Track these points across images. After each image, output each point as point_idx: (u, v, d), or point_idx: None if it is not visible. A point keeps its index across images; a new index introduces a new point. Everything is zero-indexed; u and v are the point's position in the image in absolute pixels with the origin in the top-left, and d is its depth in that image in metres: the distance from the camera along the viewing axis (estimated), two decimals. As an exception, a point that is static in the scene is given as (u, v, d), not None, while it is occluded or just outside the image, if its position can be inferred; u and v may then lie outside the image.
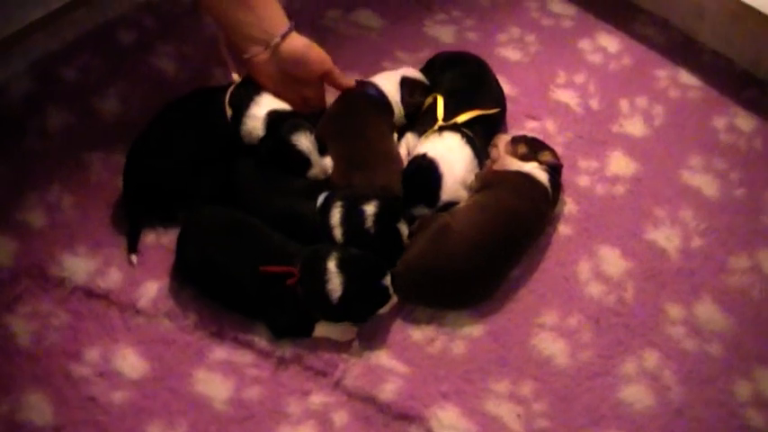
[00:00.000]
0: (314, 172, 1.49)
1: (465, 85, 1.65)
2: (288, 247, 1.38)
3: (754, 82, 1.82)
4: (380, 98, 1.61)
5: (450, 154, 1.52)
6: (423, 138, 1.57)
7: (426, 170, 1.49)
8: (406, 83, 1.64)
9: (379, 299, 1.37)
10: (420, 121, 1.63)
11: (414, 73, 1.68)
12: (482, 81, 1.68)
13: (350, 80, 1.60)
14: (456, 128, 1.56)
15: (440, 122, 1.57)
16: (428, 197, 1.50)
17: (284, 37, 1.48)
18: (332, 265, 1.33)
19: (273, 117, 1.49)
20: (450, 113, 1.59)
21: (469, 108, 1.59)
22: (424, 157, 1.50)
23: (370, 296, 1.37)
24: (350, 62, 1.77)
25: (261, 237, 1.39)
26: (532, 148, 1.55)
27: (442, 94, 1.62)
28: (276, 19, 1.49)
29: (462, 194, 1.51)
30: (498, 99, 1.68)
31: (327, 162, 1.50)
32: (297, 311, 1.35)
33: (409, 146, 1.60)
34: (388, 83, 1.63)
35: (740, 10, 1.73)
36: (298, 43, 1.50)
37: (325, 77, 1.57)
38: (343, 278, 1.32)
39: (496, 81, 1.70)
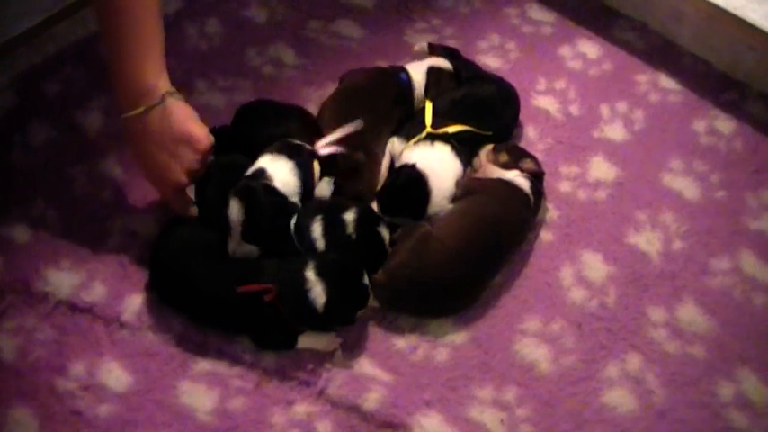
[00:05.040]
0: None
1: (477, 102, 1.64)
2: (262, 264, 1.37)
3: (732, 84, 1.83)
4: (408, 86, 1.66)
5: (440, 167, 1.52)
6: (410, 143, 1.57)
7: (415, 184, 1.50)
8: (432, 72, 1.68)
9: (362, 298, 1.38)
10: (407, 125, 1.63)
11: (440, 62, 1.71)
12: (497, 110, 1.66)
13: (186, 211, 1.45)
14: (446, 138, 1.56)
15: (428, 129, 1.57)
16: (414, 211, 1.50)
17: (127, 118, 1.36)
18: (310, 273, 1.33)
19: None
20: (441, 120, 1.59)
21: (464, 123, 1.59)
22: (413, 168, 1.50)
23: (353, 297, 1.37)
24: (331, 72, 1.78)
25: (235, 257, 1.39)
26: (514, 156, 1.56)
27: (452, 98, 1.63)
28: (126, 94, 1.35)
29: (447, 206, 1.51)
30: (500, 132, 1.66)
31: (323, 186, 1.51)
32: (279, 326, 1.35)
33: (394, 151, 1.60)
34: (417, 72, 1.68)
35: (716, 13, 1.75)
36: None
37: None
38: (325, 284, 1.32)
39: (513, 118, 1.70)
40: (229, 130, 1.58)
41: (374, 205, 1.52)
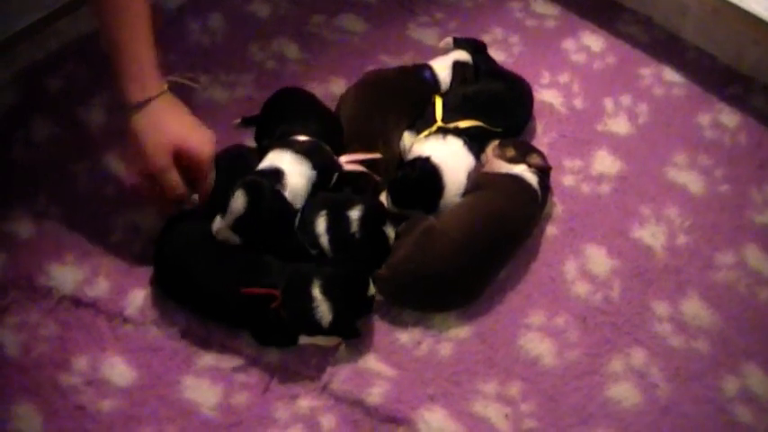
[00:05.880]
0: None
1: (489, 99, 1.64)
2: (267, 263, 1.37)
3: (737, 78, 1.82)
4: (432, 83, 1.66)
5: (454, 161, 1.51)
6: (421, 137, 1.56)
7: (430, 177, 1.49)
8: (457, 67, 1.68)
9: (367, 309, 1.38)
10: (418, 121, 1.63)
11: (464, 56, 1.72)
12: (509, 107, 1.66)
13: (180, 193, 1.40)
14: (457, 132, 1.55)
15: (439, 123, 1.57)
16: (427, 205, 1.50)
17: (126, 112, 1.34)
18: (317, 292, 1.32)
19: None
20: (452, 115, 1.58)
21: (475, 118, 1.58)
22: (428, 161, 1.49)
23: (359, 311, 1.37)
24: (334, 67, 1.78)
25: (240, 253, 1.38)
26: (521, 151, 1.55)
27: (464, 94, 1.63)
28: (130, 89, 1.34)
29: (456, 201, 1.51)
30: (511, 130, 1.65)
31: None
32: (280, 327, 1.34)
33: (405, 145, 1.60)
34: (443, 68, 1.69)
35: (721, 6, 1.74)
36: (134, 126, 1.34)
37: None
38: (331, 303, 1.32)
39: (525, 117, 1.70)
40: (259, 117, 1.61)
41: (383, 196, 1.52)
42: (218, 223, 1.37)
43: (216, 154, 1.43)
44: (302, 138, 1.45)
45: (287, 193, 1.37)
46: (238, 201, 1.34)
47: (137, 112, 1.34)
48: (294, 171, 1.39)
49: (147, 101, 1.34)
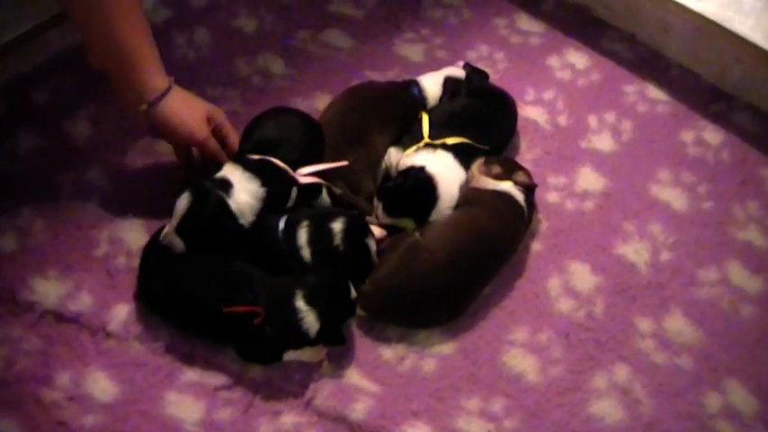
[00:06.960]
0: None
1: (475, 115, 1.64)
2: (249, 277, 1.37)
3: (720, 96, 1.84)
4: (420, 99, 1.67)
5: (448, 172, 1.52)
6: (408, 152, 1.57)
7: (424, 186, 1.49)
8: (448, 83, 1.69)
9: (351, 313, 1.38)
10: (405, 137, 1.63)
11: (457, 72, 1.72)
12: (495, 123, 1.67)
13: (222, 154, 1.51)
14: (445, 149, 1.56)
15: (426, 140, 1.57)
16: (419, 214, 1.50)
17: (154, 103, 1.40)
18: (300, 303, 1.31)
19: None
20: (439, 131, 1.59)
21: (461, 135, 1.59)
22: (422, 170, 1.50)
23: (345, 316, 1.37)
24: (320, 82, 1.78)
25: (223, 267, 1.38)
26: (506, 168, 1.55)
27: (451, 110, 1.63)
28: (152, 81, 1.41)
29: (447, 214, 1.51)
30: (496, 146, 1.65)
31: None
32: (264, 343, 1.34)
33: (391, 161, 1.60)
34: (433, 83, 1.69)
35: (704, 25, 1.76)
36: (168, 111, 1.42)
37: (197, 146, 1.50)
38: (317, 312, 1.32)
39: (509, 132, 1.71)
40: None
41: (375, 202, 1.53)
42: (166, 229, 1.38)
43: (193, 173, 1.47)
44: (254, 156, 1.45)
45: (232, 204, 1.37)
46: (183, 201, 1.36)
47: (165, 99, 1.41)
48: (242, 188, 1.39)
49: (169, 87, 1.42)
